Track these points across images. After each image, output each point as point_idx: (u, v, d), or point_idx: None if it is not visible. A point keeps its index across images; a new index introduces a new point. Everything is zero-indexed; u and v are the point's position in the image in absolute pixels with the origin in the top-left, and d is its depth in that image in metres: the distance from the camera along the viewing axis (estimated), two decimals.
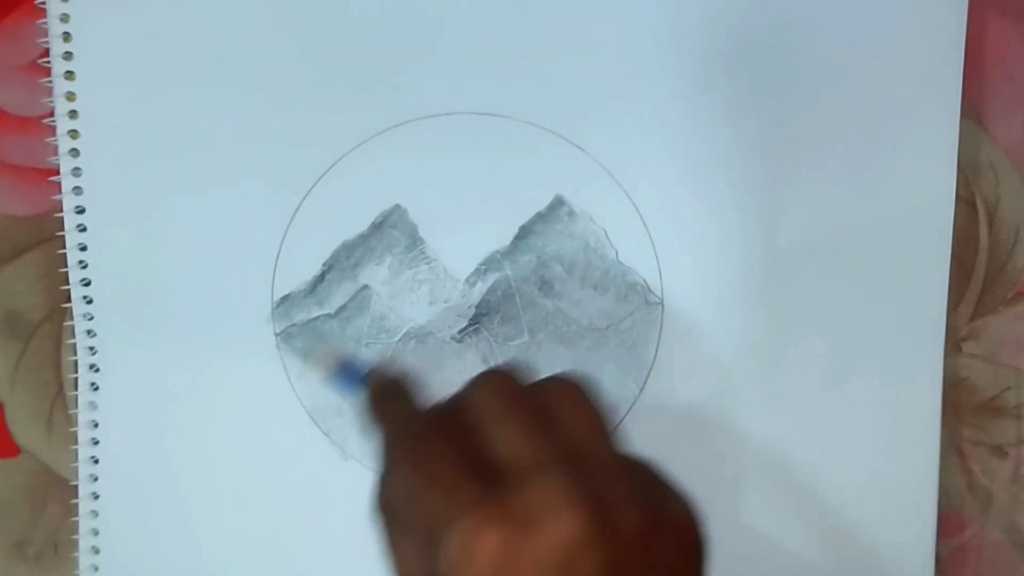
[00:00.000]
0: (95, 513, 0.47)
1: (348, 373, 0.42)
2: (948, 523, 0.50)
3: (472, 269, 0.47)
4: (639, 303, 0.47)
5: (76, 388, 0.46)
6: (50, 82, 0.45)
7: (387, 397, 0.39)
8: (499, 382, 0.34)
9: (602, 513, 0.29)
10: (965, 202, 0.49)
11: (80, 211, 0.46)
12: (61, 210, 0.46)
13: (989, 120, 0.49)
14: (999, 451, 0.50)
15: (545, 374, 0.35)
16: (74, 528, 0.47)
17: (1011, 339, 0.50)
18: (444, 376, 0.47)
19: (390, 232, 0.46)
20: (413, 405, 0.37)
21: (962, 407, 0.50)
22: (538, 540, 0.29)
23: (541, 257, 0.47)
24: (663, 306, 0.47)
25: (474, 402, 0.33)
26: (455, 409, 0.34)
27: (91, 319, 0.46)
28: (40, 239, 0.47)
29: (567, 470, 0.30)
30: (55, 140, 0.45)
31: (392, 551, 0.33)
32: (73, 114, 0.45)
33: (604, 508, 0.29)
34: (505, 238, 0.47)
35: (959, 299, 0.50)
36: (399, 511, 0.32)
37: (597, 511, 0.29)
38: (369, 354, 0.47)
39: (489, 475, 0.31)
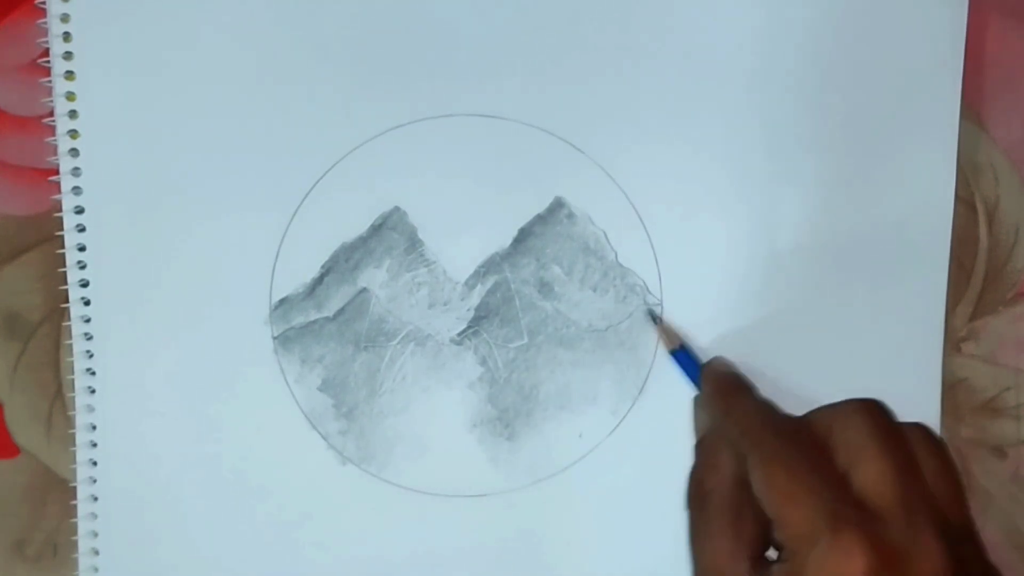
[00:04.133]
0: (94, 515, 0.47)
1: (685, 357, 0.45)
2: None
3: (471, 271, 0.47)
4: (638, 304, 0.47)
5: (75, 390, 0.46)
6: (50, 82, 0.45)
7: (731, 391, 0.41)
8: (872, 414, 0.34)
9: (962, 571, 0.30)
10: (965, 202, 0.49)
11: (79, 211, 0.46)
12: (60, 210, 0.46)
13: (989, 120, 0.49)
14: (998, 451, 0.50)
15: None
16: (73, 529, 0.47)
17: (1010, 339, 0.50)
18: (443, 379, 0.47)
19: (389, 234, 0.46)
20: (763, 404, 0.39)
21: (961, 408, 0.50)
22: None
23: (540, 259, 0.47)
24: (662, 307, 0.47)
25: (844, 427, 0.33)
26: (818, 425, 0.34)
27: (88, 321, 0.46)
28: (40, 239, 0.47)
29: (934, 520, 0.31)
30: (55, 140, 0.45)
31: (701, 542, 0.35)
32: (73, 114, 0.45)
33: (964, 566, 0.30)
34: (504, 240, 0.47)
35: (958, 300, 0.50)
36: (727, 507, 0.34)
37: (959, 567, 0.30)
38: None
39: (854, 501, 0.31)
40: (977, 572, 0.31)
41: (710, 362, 0.45)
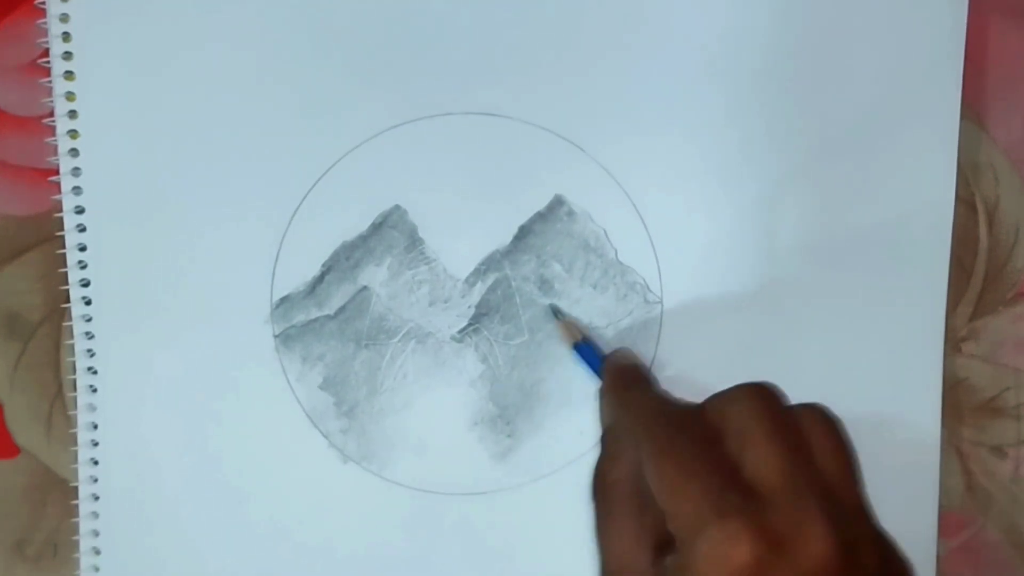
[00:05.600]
0: (95, 514, 0.47)
1: (588, 351, 0.45)
2: (948, 523, 0.50)
3: (472, 269, 0.47)
4: (638, 302, 0.47)
5: (75, 389, 0.46)
6: (50, 82, 0.45)
7: (628, 383, 0.40)
8: (761, 399, 0.33)
9: (853, 550, 0.30)
10: (965, 202, 0.49)
11: (79, 211, 0.46)
12: (61, 210, 0.46)
13: (989, 120, 0.49)
14: (999, 451, 0.50)
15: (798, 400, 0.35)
16: (74, 529, 0.47)
17: (1010, 339, 0.50)
18: (443, 376, 0.47)
19: (389, 233, 0.46)
20: (658, 396, 0.39)
21: (962, 407, 0.50)
22: (792, 562, 0.29)
23: (541, 256, 0.47)
24: (662, 305, 0.47)
25: (733, 413, 0.33)
26: (710, 413, 0.34)
27: (89, 320, 0.46)
28: (40, 239, 0.47)
29: (822, 502, 0.30)
30: (55, 140, 0.45)
31: (606, 534, 0.34)
32: (73, 114, 0.45)
33: (854, 546, 0.30)
34: (505, 238, 0.47)
35: (959, 299, 0.50)
36: (629, 497, 0.33)
37: (849, 547, 0.30)
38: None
39: (742, 487, 0.31)
40: (868, 551, 0.30)
41: (612, 354, 0.44)
